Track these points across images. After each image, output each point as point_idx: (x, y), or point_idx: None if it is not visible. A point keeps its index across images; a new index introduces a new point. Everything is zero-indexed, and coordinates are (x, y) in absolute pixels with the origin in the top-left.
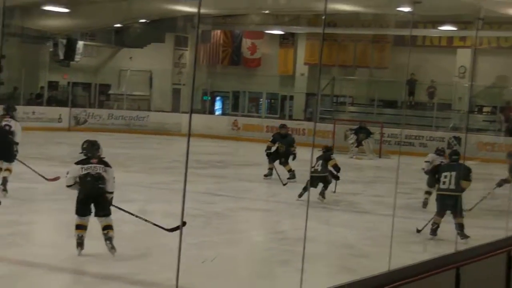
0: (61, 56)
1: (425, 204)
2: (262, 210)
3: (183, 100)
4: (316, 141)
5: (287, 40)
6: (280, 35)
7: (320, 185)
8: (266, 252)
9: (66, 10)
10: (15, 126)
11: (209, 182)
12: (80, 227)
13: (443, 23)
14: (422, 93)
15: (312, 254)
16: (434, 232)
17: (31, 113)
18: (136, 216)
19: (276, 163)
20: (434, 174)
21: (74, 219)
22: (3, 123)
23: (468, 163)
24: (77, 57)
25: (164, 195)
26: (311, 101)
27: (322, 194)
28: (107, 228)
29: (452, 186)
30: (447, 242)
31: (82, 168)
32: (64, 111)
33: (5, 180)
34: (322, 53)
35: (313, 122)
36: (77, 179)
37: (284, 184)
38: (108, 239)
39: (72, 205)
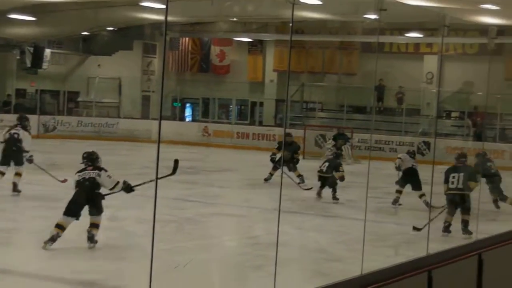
0: (28, 64)
1: (395, 201)
2: (234, 216)
3: (153, 107)
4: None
5: (256, 47)
6: (249, 42)
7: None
8: (239, 257)
9: (33, 18)
10: (22, 134)
11: (180, 188)
12: (60, 227)
13: (409, 30)
14: (391, 99)
15: (285, 258)
16: (447, 229)
17: None
18: (149, 181)
19: (285, 169)
20: (405, 175)
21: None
22: (12, 131)
23: (438, 167)
24: (45, 65)
25: (136, 201)
26: (281, 107)
27: (334, 197)
28: (93, 226)
29: (460, 186)
30: (419, 245)
31: (78, 175)
32: (32, 119)
33: (15, 184)
34: (291, 60)
35: (283, 128)
36: (75, 184)
37: (306, 189)
38: (90, 237)
39: (48, 213)
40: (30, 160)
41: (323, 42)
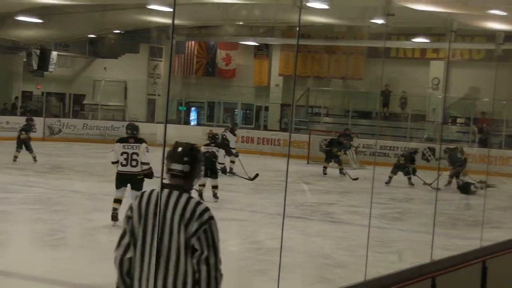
0: (35, 67)
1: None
2: (238, 220)
3: (158, 110)
4: (291, 152)
5: (262, 51)
6: (255, 46)
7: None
8: (243, 261)
9: (40, 21)
10: (228, 135)
11: None
12: (200, 185)
13: (416, 35)
14: (397, 104)
15: (289, 264)
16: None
17: (5, 123)
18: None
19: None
20: None
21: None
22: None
23: (444, 174)
24: (51, 68)
25: None
26: (286, 112)
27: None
28: (214, 187)
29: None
30: (423, 252)
31: (204, 147)
32: (38, 121)
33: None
34: (297, 64)
35: (288, 132)
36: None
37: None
38: (214, 195)
39: (49, 216)
40: (236, 155)
41: (329, 47)
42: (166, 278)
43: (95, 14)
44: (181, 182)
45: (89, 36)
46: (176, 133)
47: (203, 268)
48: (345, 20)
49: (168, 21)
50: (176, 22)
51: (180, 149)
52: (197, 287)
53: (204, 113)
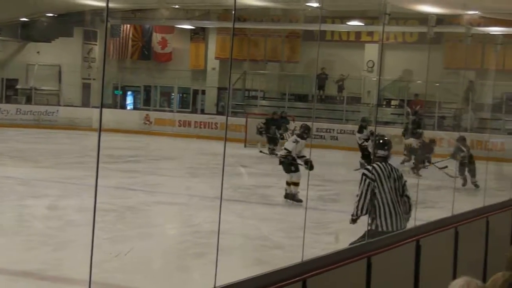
0: None
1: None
2: (175, 204)
3: (94, 94)
4: (228, 135)
5: (198, 34)
6: (191, 29)
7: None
8: (181, 245)
9: None
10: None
11: (121, 177)
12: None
13: (351, 18)
14: (333, 87)
15: (227, 246)
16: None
17: None
18: None
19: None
20: None
21: None
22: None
23: None
24: None
25: (76, 190)
26: (223, 95)
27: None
28: None
29: None
30: (359, 233)
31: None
32: None
33: None
34: (233, 48)
35: (225, 116)
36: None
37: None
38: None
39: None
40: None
41: (265, 30)
42: (393, 206)
43: None
44: (384, 160)
45: (21, 19)
46: (112, 117)
47: (407, 199)
48: (280, 3)
49: (102, 4)
50: (110, 5)
51: (382, 141)
52: (405, 208)
53: (140, 97)
